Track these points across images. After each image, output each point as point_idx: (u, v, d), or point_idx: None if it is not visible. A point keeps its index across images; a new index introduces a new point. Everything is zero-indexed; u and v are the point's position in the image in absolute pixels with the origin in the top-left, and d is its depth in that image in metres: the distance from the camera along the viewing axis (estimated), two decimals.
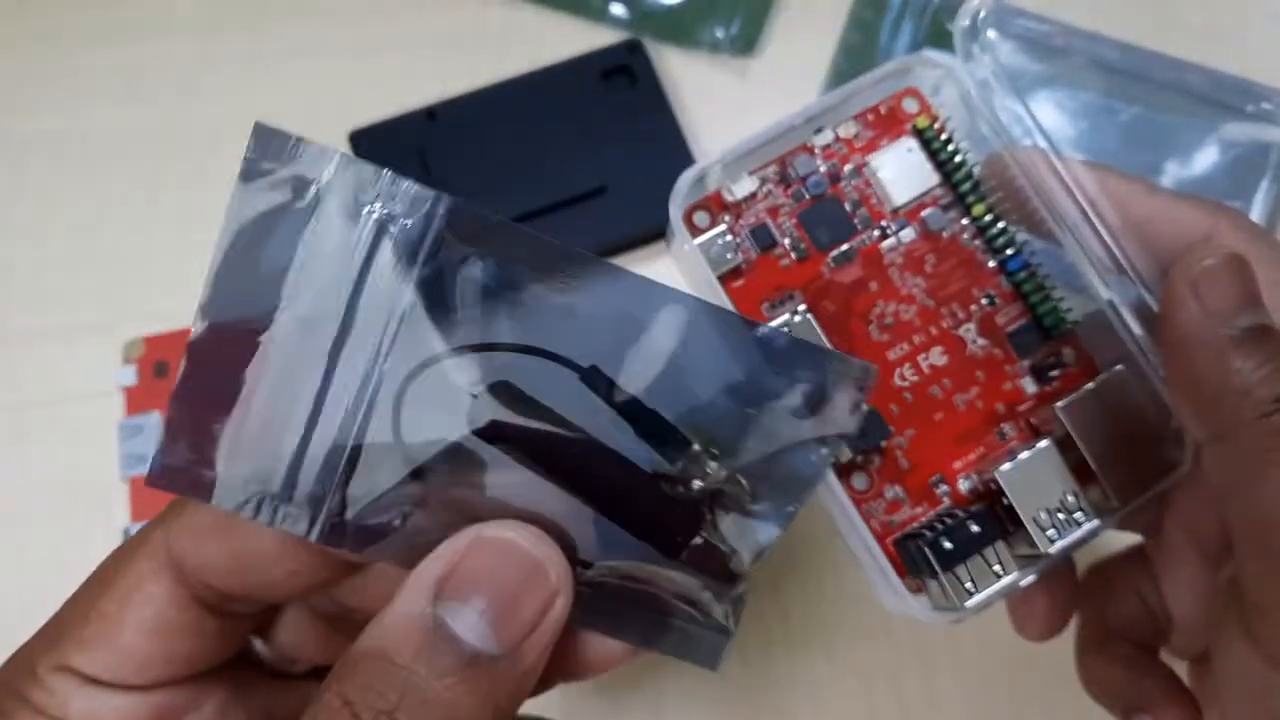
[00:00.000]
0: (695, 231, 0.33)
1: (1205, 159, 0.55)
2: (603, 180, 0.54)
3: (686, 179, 0.33)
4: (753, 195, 0.33)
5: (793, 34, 0.58)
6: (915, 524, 0.33)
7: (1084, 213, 0.32)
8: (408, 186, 0.24)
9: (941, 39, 0.56)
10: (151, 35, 0.58)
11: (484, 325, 0.25)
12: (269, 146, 0.24)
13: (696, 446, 0.26)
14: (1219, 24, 0.57)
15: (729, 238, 0.33)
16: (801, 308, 0.33)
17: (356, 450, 0.25)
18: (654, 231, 0.54)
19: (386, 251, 0.24)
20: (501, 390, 0.25)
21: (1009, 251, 0.33)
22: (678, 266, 0.34)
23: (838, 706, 0.48)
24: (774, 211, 0.33)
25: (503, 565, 0.25)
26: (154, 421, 0.51)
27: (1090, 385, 0.32)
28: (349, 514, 0.25)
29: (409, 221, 0.24)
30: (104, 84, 0.57)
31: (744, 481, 0.26)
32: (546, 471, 0.26)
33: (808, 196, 0.33)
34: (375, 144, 0.54)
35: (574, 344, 0.25)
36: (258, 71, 0.57)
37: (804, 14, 0.59)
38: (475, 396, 0.25)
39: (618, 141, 0.55)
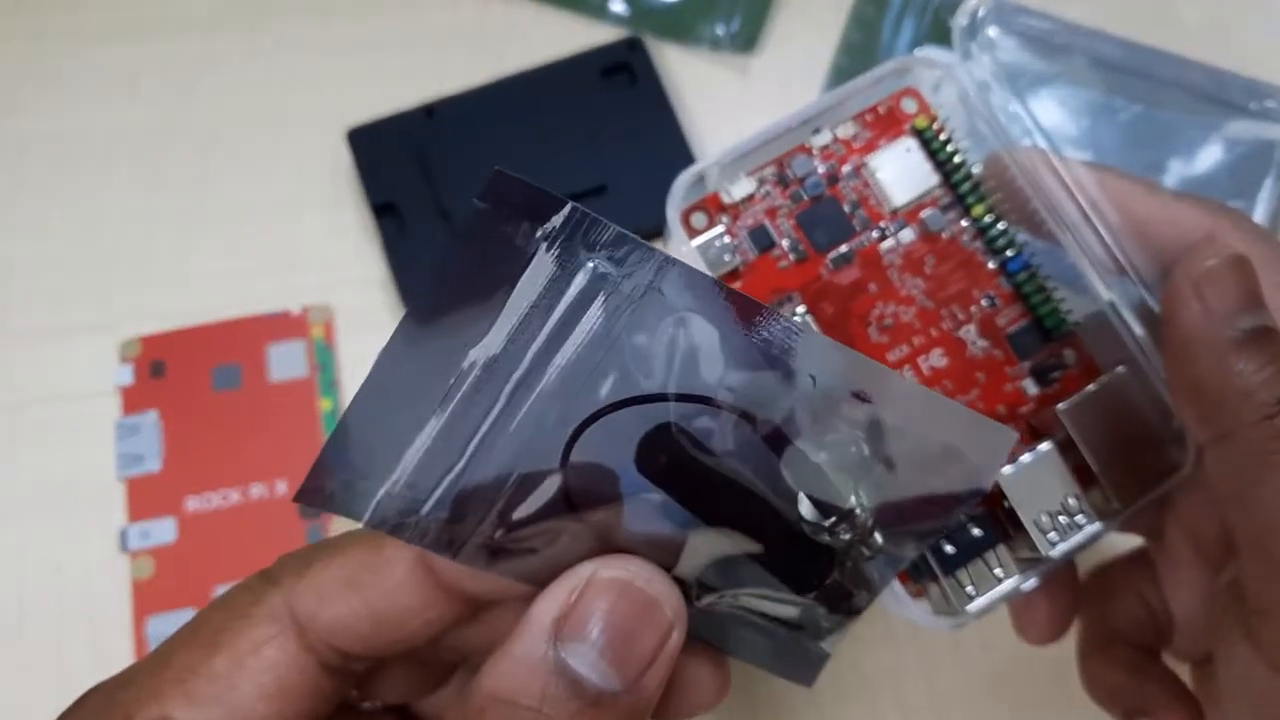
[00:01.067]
0: (693, 233, 0.33)
1: (1208, 157, 0.54)
2: (603, 178, 0.54)
3: (683, 180, 0.32)
4: (750, 197, 0.33)
5: (793, 31, 0.58)
6: None
7: (1084, 213, 0.31)
8: (632, 244, 0.24)
9: (943, 36, 0.56)
10: (151, 34, 0.57)
11: (675, 375, 0.25)
12: (503, 191, 0.24)
13: (854, 505, 0.26)
14: (1221, 21, 0.56)
15: (727, 239, 0.32)
16: (800, 309, 0.32)
17: (520, 480, 0.25)
18: (654, 230, 0.53)
19: (598, 303, 0.24)
20: (667, 431, 0.25)
21: (1009, 252, 0.33)
22: None
23: (839, 708, 0.48)
24: (772, 213, 0.33)
25: (619, 604, 0.25)
26: (151, 421, 0.51)
27: (1091, 387, 0.32)
28: (497, 535, 0.26)
29: (628, 274, 0.24)
30: (103, 82, 0.56)
31: (879, 535, 0.26)
32: (694, 507, 0.26)
33: (806, 198, 0.33)
34: (374, 142, 0.54)
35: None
36: (257, 70, 0.57)
37: (805, 11, 0.58)
38: (645, 435, 0.25)
39: (618, 139, 0.54)
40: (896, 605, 0.32)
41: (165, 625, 0.48)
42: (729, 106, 0.56)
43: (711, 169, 0.33)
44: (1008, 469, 0.31)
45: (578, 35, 0.57)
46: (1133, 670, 0.34)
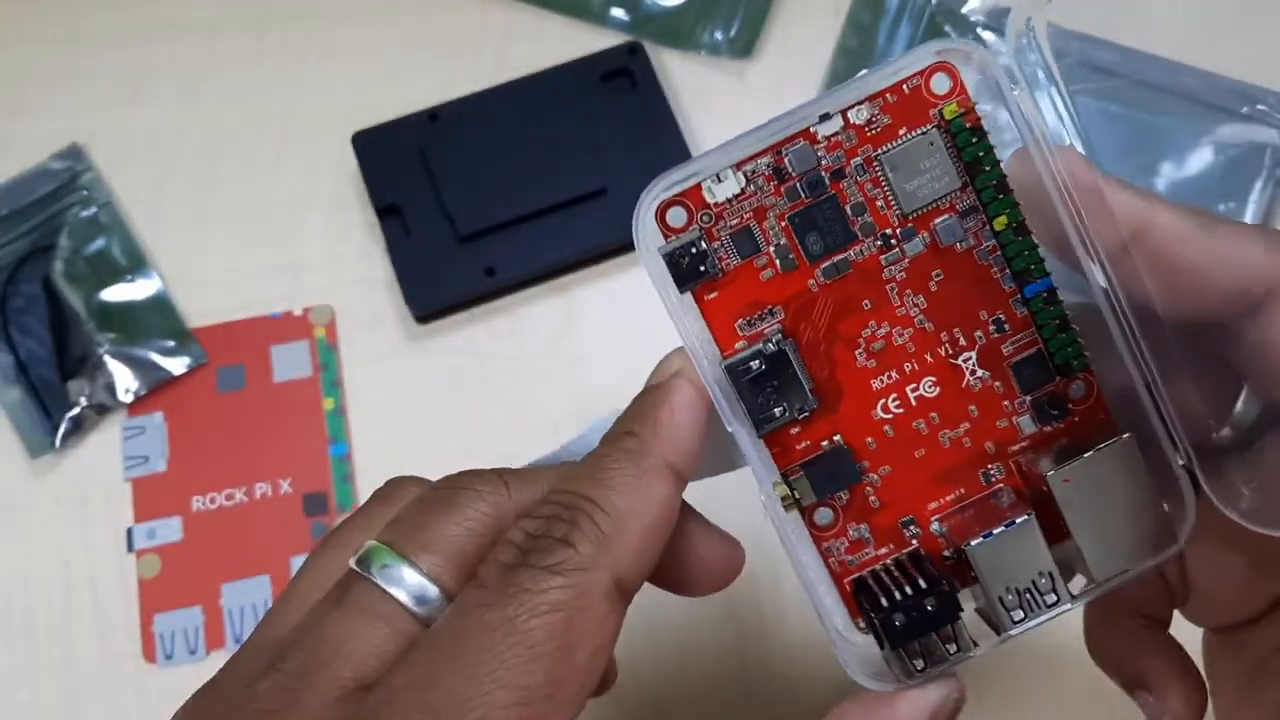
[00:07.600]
0: (669, 232, 0.24)
1: (1200, 161, 0.47)
2: (603, 182, 0.46)
3: (670, 175, 0.23)
4: (740, 193, 0.24)
5: (791, 36, 0.50)
6: (877, 565, 0.25)
7: (1122, 249, 0.22)
8: None
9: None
10: (157, 38, 0.49)
11: None
12: None
13: None
14: (1215, 25, 0.48)
15: (705, 243, 0.23)
16: (777, 336, 0.23)
17: None
18: None
19: None
20: None
21: (1032, 269, 0.23)
22: (646, 271, 0.24)
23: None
24: (761, 212, 0.23)
25: None
26: (156, 422, 0.44)
27: (1089, 454, 0.23)
28: None
29: None
30: (110, 86, 0.49)
31: None
32: None
33: (803, 196, 0.24)
34: (378, 145, 0.46)
35: None
36: (261, 74, 0.49)
37: (802, 16, 0.50)
38: None
39: (618, 143, 0.47)
40: (844, 646, 0.24)
41: (172, 623, 0.41)
42: (728, 110, 0.48)
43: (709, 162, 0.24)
44: (978, 540, 0.23)
45: (579, 41, 0.48)
46: (1137, 641, 0.28)
